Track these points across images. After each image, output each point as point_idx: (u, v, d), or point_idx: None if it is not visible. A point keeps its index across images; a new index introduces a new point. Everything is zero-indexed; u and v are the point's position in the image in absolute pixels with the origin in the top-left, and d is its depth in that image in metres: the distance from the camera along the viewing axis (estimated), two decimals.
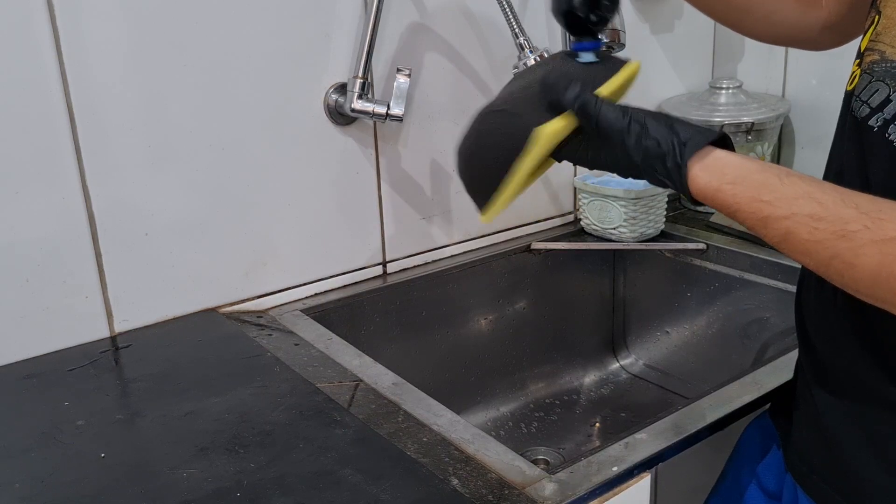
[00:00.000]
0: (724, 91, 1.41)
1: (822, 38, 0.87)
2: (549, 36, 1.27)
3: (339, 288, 1.13)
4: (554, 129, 0.63)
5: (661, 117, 0.62)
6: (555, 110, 0.63)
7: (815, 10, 0.85)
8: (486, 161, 0.67)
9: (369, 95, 1.04)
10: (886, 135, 0.61)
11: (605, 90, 0.64)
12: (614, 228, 1.30)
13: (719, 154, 0.60)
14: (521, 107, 0.66)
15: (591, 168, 0.66)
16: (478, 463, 0.72)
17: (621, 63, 0.67)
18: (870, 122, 0.63)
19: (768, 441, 0.83)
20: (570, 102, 0.62)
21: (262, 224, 1.05)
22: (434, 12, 1.14)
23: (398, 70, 1.00)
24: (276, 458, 0.72)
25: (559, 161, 0.67)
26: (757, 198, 0.58)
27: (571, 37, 0.73)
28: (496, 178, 0.66)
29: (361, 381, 0.87)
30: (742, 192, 0.59)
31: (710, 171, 0.60)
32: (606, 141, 0.63)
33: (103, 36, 0.89)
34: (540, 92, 0.65)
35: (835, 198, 0.56)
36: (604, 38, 0.74)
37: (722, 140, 0.61)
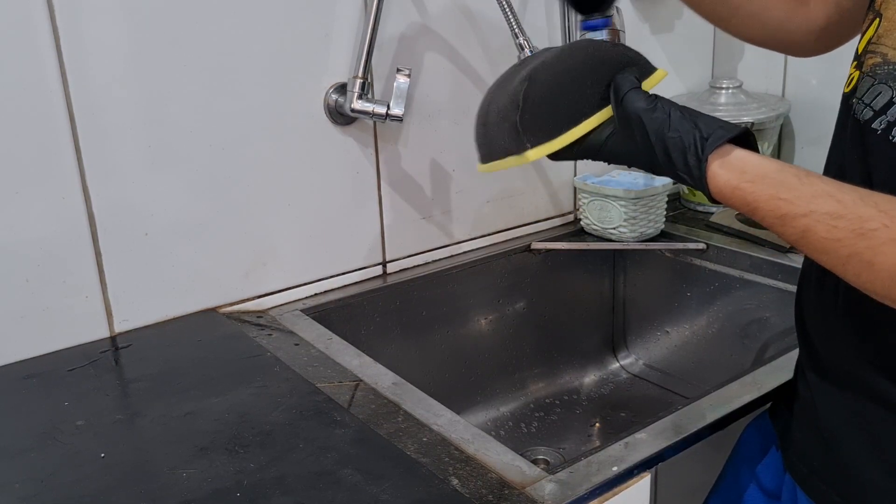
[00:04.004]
0: (724, 91, 1.41)
1: (810, 43, 0.86)
2: (549, 36, 1.27)
3: (339, 288, 1.13)
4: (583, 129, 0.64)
5: (686, 110, 0.62)
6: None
7: (803, 12, 0.85)
8: (486, 138, 0.67)
9: (369, 95, 1.04)
10: (890, 137, 0.62)
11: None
12: (614, 228, 1.30)
13: (739, 153, 0.60)
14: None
15: (609, 162, 0.66)
16: (478, 463, 0.72)
17: (650, 67, 0.67)
18: (873, 125, 0.63)
19: (768, 441, 0.83)
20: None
21: (262, 224, 1.05)
22: (434, 12, 1.14)
23: (398, 70, 1.00)
24: (276, 458, 0.72)
25: (578, 158, 0.67)
26: (776, 196, 0.58)
27: (580, 16, 0.72)
28: (489, 154, 0.67)
29: (361, 381, 0.87)
30: (761, 190, 0.59)
31: (730, 169, 0.60)
32: (628, 127, 0.63)
33: (103, 36, 0.89)
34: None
35: (854, 197, 0.56)
36: (612, 14, 0.74)
37: (744, 137, 0.61)
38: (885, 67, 0.63)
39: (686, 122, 0.61)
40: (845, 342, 0.69)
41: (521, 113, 0.65)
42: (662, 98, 0.63)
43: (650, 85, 0.65)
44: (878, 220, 0.54)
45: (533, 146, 0.65)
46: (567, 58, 0.66)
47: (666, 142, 0.61)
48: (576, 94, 0.65)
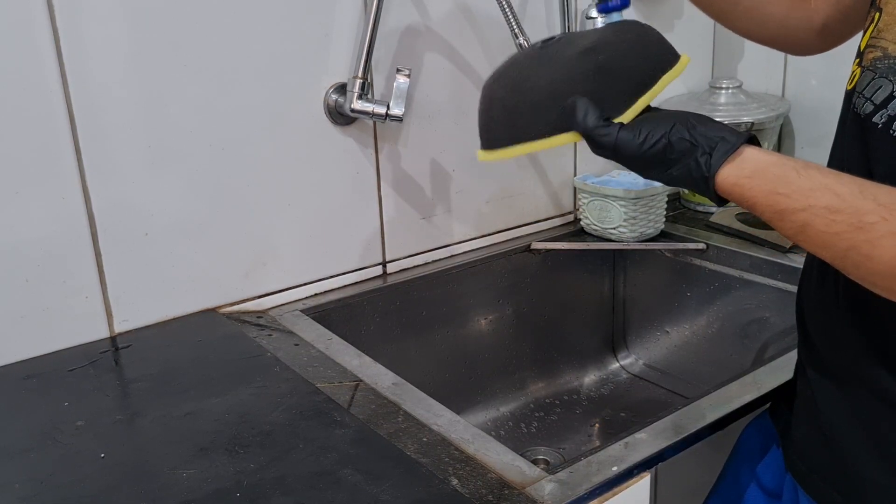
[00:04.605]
0: (723, 91, 1.41)
1: (811, 40, 0.86)
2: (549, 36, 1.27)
3: (339, 288, 1.13)
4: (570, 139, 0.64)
5: (681, 127, 0.61)
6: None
7: (803, 8, 0.85)
8: (513, 120, 0.67)
9: (369, 95, 1.04)
10: (891, 131, 0.62)
11: (648, 97, 0.64)
12: (614, 228, 1.30)
13: (739, 149, 0.60)
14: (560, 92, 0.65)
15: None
16: (478, 463, 0.72)
17: (672, 56, 0.67)
18: (874, 119, 0.63)
19: (768, 441, 0.83)
20: (579, 129, 0.63)
21: (262, 224, 1.05)
22: (434, 12, 1.14)
23: (398, 70, 1.00)
24: (276, 458, 0.72)
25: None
26: (774, 191, 0.58)
27: None
28: (512, 138, 0.67)
29: (361, 381, 0.87)
30: (759, 186, 0.59)
31: (729, 166, 0.60)
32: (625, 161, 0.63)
33: (103, 36, 0.89)
34: (560, 108, 0.64)
35: (853, 189, 0.56)
36: None
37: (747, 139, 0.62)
38: (886, 61, 0.63)
39: (683, 142, 0.61)
40: (846, 338, 0.69)
41: (595, 82, 0.64)
42: (647, 121, 0.62)
43: (676, 73, 0.65)
44: (877, 214, 0.54)
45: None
46: (625, 33, 0.68)
47: (669, 170, 0.61)
48: (641, 60, 0.66)
